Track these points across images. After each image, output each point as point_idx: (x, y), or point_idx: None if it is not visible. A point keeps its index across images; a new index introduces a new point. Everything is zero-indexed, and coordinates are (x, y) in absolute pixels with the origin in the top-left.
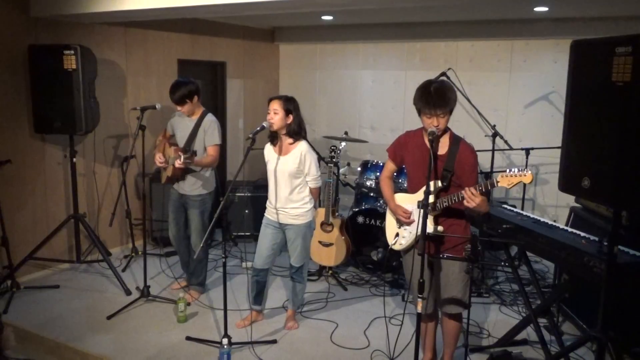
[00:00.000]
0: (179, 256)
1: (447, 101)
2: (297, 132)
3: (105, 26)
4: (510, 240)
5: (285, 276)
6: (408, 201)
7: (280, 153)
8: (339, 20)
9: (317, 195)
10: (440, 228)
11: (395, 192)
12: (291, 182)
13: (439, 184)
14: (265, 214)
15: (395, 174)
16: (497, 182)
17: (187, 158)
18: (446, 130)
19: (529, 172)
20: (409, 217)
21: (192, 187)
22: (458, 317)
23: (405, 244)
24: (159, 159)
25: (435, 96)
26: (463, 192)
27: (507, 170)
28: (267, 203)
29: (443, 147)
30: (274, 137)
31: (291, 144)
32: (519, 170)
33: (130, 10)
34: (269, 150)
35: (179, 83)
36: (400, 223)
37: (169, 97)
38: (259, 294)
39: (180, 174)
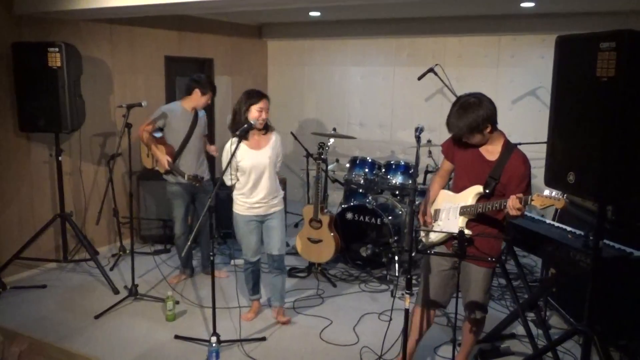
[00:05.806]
0: (184, 252)
1: (464, 129)
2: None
3: (90, 23)
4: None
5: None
6: (450, 200)
7: (255, 147)
8: (327, 17)
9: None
10: (467, 231)
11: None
12: (272, 172)
13: (480, 189)
14: (240, 212)
15: (452, 172)
16: (532, 200)
17: None
18: (497, 136)
19: (564, 198)
20: (429, 222)
21: (204, 173)
22: (476, 322)
23: (434, 238)
24: (167, 162)
25: (455, 128)
26: (508, 200)
27: (545, 191)
28: (242, 201)
29: (494, 154)
30: (245, 134)
31: (264, 134)
32: (555, 194)
33: (116, 7)
34: (243, 149)
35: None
36: (435, 219)
37: (158, 94)
38: (256, 284)
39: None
